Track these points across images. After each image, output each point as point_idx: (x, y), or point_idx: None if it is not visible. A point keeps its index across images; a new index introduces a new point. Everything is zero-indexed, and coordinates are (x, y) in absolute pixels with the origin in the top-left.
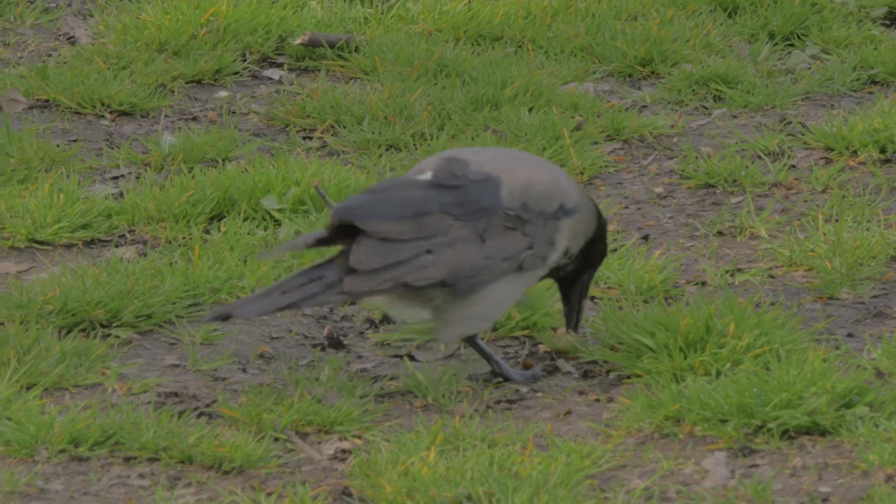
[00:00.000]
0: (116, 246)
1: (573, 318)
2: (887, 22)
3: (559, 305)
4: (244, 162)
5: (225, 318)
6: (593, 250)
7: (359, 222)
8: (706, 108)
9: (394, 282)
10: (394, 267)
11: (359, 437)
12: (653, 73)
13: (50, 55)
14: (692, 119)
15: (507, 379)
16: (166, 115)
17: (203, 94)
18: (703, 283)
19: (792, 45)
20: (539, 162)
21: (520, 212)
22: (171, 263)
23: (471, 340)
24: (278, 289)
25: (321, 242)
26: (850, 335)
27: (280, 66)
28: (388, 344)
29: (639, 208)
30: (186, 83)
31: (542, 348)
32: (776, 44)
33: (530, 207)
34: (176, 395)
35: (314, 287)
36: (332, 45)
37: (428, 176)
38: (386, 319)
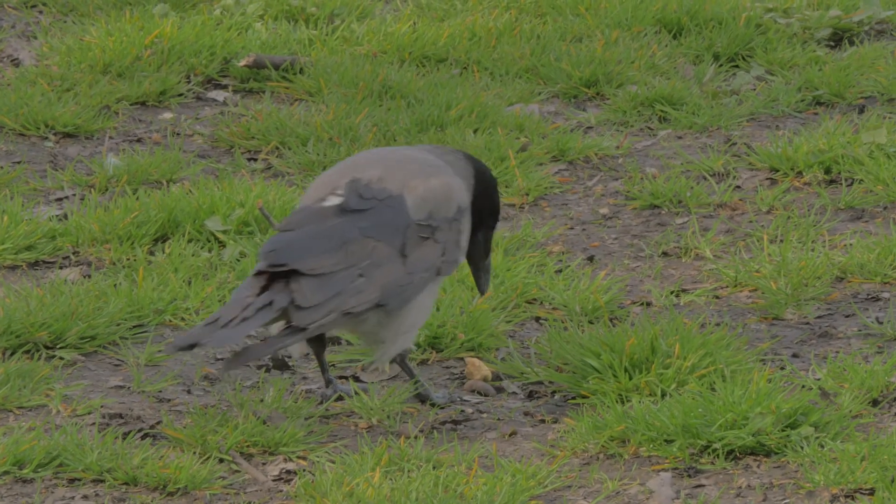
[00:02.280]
0: (60, 267)
1: (480, 278)
2: (832, 43)
3: (503, 326)
4: (189, 183)
5: (191, 347)
6: (482, 210)
7: (294, 264)
8: (651, 130)
9: (336, 312)
10: (334, 298)
11: (304, 458)
12: (598, 94)
13: None
14: (637, 140)
15: (426, 400)
16: (111, 137)
17: (147, 116)
18: (649, 304)
19: (737, 66)
20: (426, 163)
21: (429, 221)
22: (115, 285)
23: (401, 359)
24: (237, 315)
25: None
26: (795, 355)
27: (225, 87)
28: (333, 365)
29: (584, 229)
30: (131, 105)
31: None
32: (721, 65)
33: (435, 215)
34: (120, 416)
35: (269, 313)
36: (276, 67)
37: (335, 201)
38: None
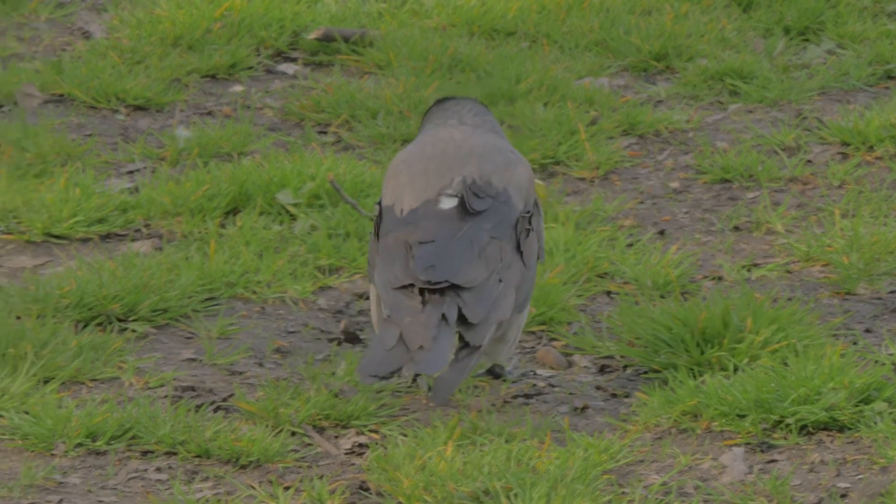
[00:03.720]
0: (132, 240)
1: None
2: None
3: (574, 300)
4: (259, 156)
5: (392, 375)
6: None
7: (454, 279)
8: (722, 103)
9: (495, 323)
10: (493, 310)
11: (376, 431)
12: (668, 67)
13: (64, 50)
14: (708, 114)
15: (500, 376)
16: (181, 110)
17: (218, 89)
18: (720, 279)
19: (807, 39)
20: (504, 150)
21: (527, 210)
22: (186, 258)
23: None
24: (423, 336)
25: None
26: (867, 330)
27: (294, 60)
28: None
29: (654, 203)
30: (201, 78)
31: (556, 344)
32: (791, 39)
33: (528, 203)
34: (193, 389)
35: (451, 332)
36: (346, 40)
37: (451, 203)
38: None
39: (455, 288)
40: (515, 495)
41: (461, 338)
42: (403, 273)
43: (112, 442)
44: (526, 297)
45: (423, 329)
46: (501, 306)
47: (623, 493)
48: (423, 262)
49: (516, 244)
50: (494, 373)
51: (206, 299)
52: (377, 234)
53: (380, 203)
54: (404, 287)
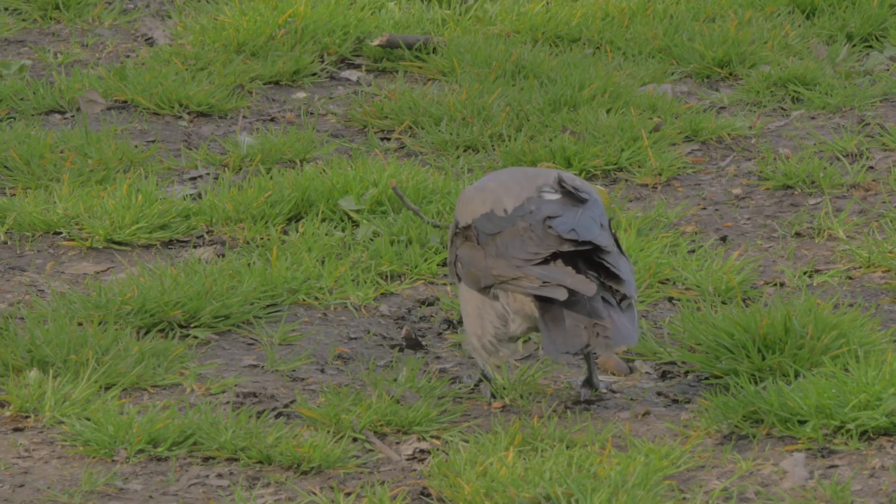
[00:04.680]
0: (195, 247)
1: None
2: None
3: (636, 306)
4: (322, 163)
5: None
6: None
7: (595, 241)
8: (784, 110)
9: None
10: (629, 270)
11: (437, 437)
12: (731, 74)
13: (128, 56)
14: (770, 120)
15: (595, 387)
16: (244, 116)
17: (281, 96)
18: (782, 284)
19: (870, 46)
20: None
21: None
22: (249, 264)
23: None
24: (600, 304)
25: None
26: None
27: (358, 67)
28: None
29: (717, 209)
30: (264, 84)
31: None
32: (854, 45)
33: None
34: (254, 395)
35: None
36: (409, 47)
37: (554, 196)
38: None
39: (594, 253)
40: (577, 501)
41: (612, 292)
42: (540, 246)
43: (173, 448)
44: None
45: (584, 279)
46: (629, 269)
47: (684, 498)
48: (563, 228)
49: (613, 237)
50: (591, 384)
51: (268, 305)
52: (478, 242)
53: (456, 225)
54: (545, 262)
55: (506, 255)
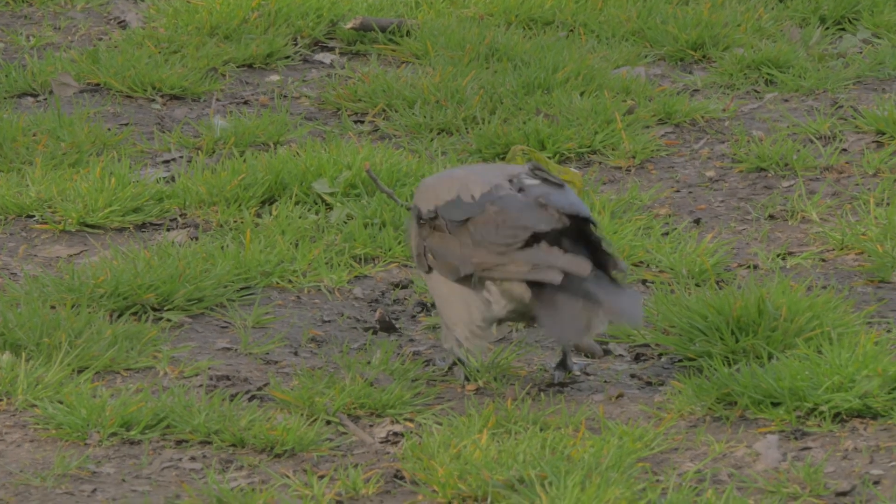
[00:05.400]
0: (168, 230)
1: None
2: None
3: None
4: (296, 146)
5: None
6: None
7: (589, 217)
8: (758, 93)
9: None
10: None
11: (411, 420)
12: (704, 57)
13: (101, 39)
14: (743, 103)
15: (569, 370)
16: (217, 99)
17: (254, 79)
18: (755, 267)
19: (843, 29)
20: None
21: None
22: (222, 247)
23: None
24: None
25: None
26: None
27: (331, 50)
28: (440, 327)
29: (690, 192)
30: (238, 67)
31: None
32: (827, 28)
33: None
34: (227, 378)
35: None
36: (383, 30)
37: (535, 182)
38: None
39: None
40: (550, 483)
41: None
42: (535, 222)
43: (146, 431)
44: None
45: (577, 259)
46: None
47: (657, 480)
48: (559, 203)
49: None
50: (566, 365)
51: (242, 289)
52: (448, 231)
53: (419, 215)
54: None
55: (483, 243)
